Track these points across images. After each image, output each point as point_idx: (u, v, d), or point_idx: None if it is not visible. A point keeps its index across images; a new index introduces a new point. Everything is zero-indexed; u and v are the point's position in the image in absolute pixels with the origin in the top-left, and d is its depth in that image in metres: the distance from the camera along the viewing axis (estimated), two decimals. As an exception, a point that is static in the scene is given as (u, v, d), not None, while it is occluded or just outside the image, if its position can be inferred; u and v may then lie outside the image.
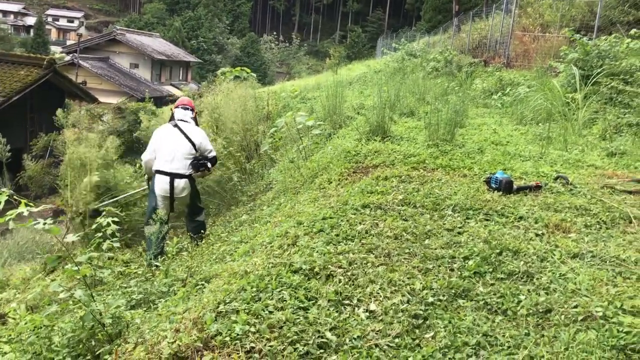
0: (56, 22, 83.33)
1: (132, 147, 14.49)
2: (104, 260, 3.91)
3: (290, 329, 2.50)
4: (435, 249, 3.35)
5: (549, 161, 5.60)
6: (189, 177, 6.25)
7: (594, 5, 13.48)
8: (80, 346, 3.10)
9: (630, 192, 4.42)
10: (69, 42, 62.19)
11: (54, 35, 77.11)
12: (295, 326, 2.53)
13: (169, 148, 6.25)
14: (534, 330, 2.54)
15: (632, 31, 10.16)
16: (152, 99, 15.92)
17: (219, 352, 2.40)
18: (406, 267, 3.12)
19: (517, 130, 7.62)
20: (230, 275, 3.19)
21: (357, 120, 8.00)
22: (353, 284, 2.94)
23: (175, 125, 6.40)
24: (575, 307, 2.67)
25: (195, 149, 6.32)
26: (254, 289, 2.84)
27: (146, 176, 6.77)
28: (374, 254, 3.29)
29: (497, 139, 6.70)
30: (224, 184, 7.99)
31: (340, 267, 3.10)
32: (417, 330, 2.57)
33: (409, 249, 3.34)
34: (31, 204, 3.17)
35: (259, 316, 2.60)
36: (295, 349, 2.39)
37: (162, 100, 29.59)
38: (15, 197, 3.21)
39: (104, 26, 77.96)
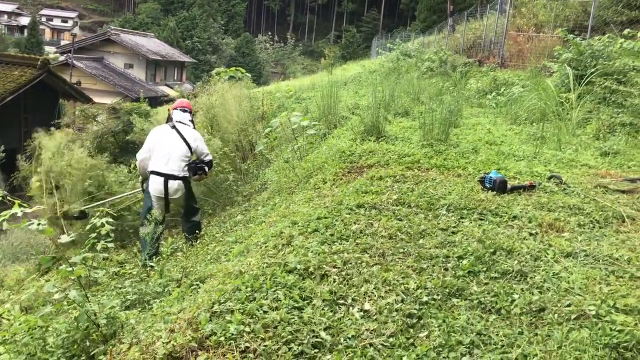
0: (50, 22, 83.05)
1: (127, 147, 14.44)
2: (98, 260, 3.90)
3: (285, 328, 2.51)
4: (430, 248, 3.37)
5: (542, 161, 5.62)
6: (183, 178, 6.24)
7: (587, 6, 13.53)
8: (75, 347, 3.10)
9: (623, 192, 4.45)
10: (63, 42, 62.06)
11: (48, 35, 76.88)
12: (289, 326, 2.53)
13: (164, 149, 6.24)
14: (528, 329, 2.56)
15: (626, 31, 10.21)
16: (146, 99, 15.87)
17: (214, 352, 2.40)
18: (400, 266, 3.13)
19: (511, 130, 7.64)
20: (225, 275, 3.19)
21: (351, 120, 8.01)
22: (347, 284, 2.95)
23: (173, 127, 6.40)
24: (569, 305, 2.68)
25: (191, 152, 6.32)
26: (249, 289, 2.84)
27: (141, 177, 6.74)
28: (368, 253, 3.30)
29: (491, 139, 6.71)
30: (219, 184, 7.98)
31: (334, 266, 3.11)
32: (411, 330, 2.58)
33: (404, 249, 3.35)
34: (25, 204, 3.17)
35: (254, 316, 2.60)
36: (289, 349, 2.40)
37: (156, 101, 29.53)
38: (9, 197, 3.20)
39: (98, 26, 77.74)
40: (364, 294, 2.85)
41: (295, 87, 17.32)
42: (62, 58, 34.34)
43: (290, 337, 2.46)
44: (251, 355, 2.37)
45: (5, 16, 79.92)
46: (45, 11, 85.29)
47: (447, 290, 2.88)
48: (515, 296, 2.80)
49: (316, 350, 2.42)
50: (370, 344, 2.46)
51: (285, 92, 13.90)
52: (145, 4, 78.64)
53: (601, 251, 3.28)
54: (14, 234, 9.75)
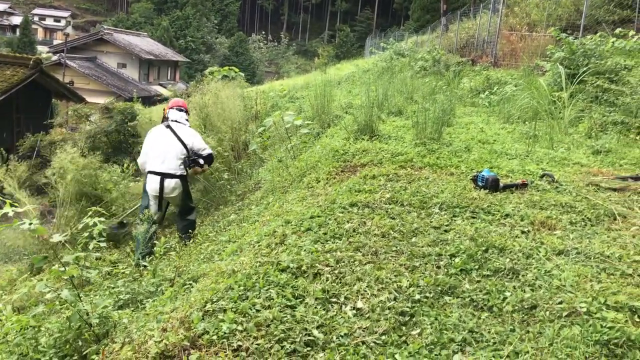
0: (43, 22, 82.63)
1: (120, 147, 14.40)
2: (91, 260, 3.89)
3: (278, 327, 2.51)
4: (422, 246, 3.38)
5: (535, 159, 5.64)
6: (180, 177, 6.27)
7: (580, 5, 13.59)
8: (67, 346, 3.09)
9: (614, 190, 4.47)
10: (55, 42, 61.71)
11: (40, 34, 76.51)
12: (282, 324, 2.54)
13: (160, 149, 6.31)
14: (519, 326, 2.57)
15: (617, 30, 10.27)
16: (140, 99, 15.83)
17: (206, 351, 2.40)
18: (393, 264, 3.14)
19: (504, 128, 7.66)
20: (218, 274, 3.20)
21: (345, 120, 8.02)
22: (340, 282, 2.95)
23: (168, 126, 6.45)
24: (560, 303, 2.70)
25: (187, 150, 6.34)
26: (242, 288, 2.84)
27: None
28: (361, 252, 3.30)
29: (484, 138, 6.73)
30: (213, 184, 7.97)
31: (327, 265, 3.11)
32: (403, 327, 2.59)
33: (396, 247, 3.36)
34: (16, 204, 3.16)
35: (246, 315, 2.60)
36: (282, 347, 2.40)
37: (150, 100, 29.46)
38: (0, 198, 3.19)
39: (91, 26, 77.43)
40: (357, 292, 2.85)
41: (288, 86, 17.32)
42: (54, 58, 34.17)
43: (282, 335, 2.47)
44: (243, 353, 2.38)
45: (-3, 15, 79.52)
46: (37, 10, 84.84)
47: (440, 288, 2.89)
48: (507, 294, 2.82)
49: (309, 349, 2.42)
50: (363, 342, 2.47)
51: (278, 91, 13.89)
52: (138, 4, 78.37)
53: (592, 249, 3.30)
54: (5, 234, 9.70)
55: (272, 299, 2.74)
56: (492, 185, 4.36)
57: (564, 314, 2.61)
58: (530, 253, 3.26)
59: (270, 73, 68.49)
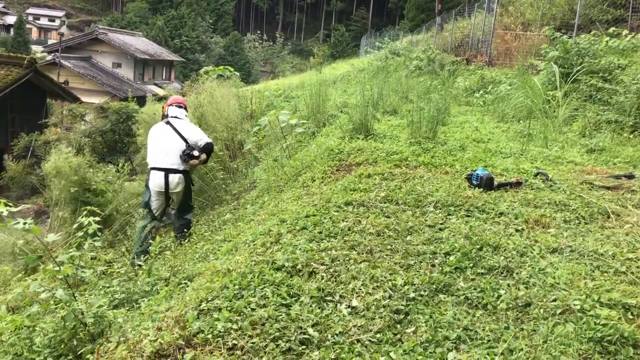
0: (37, 21, 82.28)
1: (115, 146, 14.39)
2: (86, 260, 3.89)
3: (273, 325, 2.52)
4: (417, 245, 3.38)
5: (529, 158, 5.66)
6: (183, 172, 6.34)
7: (574, 4, 13.63)
8: (62, 346, 3.08)
9: (608, 188, 4.49)
10: (50, 42, 61.44)
11: (35, 34, 76.19)
12: (277, 323, 2.54)
13: (162, 145, 6.39)
14: (514, 324, 2.58)
15: (611, 29, 10.32)
16: (135, 99, 15.81)
17: (201, 350, 2.41)
18: (388, 263, 3.15)
19: (499, 127, 7.69)
20: (213, 273, 3.19)
21: (340, 119, 8.02)
22: (335, 281, 2.96)
23: (168, 123, 6.53)
24: (554, 300, 2.71)
25: (188, 145, 6.41)
26: (237, 287, 2.85)
27: None
28: (356, 250, 3.31)
29: (478, 137, 6.75)
30: (208, 183, 7.97)
31: (322, 264, 3.12)
32: (398, 325, 2.59)
33: (391, 246, 3.37)
34: (10, 203, 3.15)
35: (242, 313, 2.60)
36: (277, 346, 2.41)
37: (145, 100, 29.35)
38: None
39: (86, 25, 77.20)
40: (352, 291, 2.86)
41: (284, 85, 17.31)
42: (49, 57, 34.04)
43: (277, 334, 2.47)
44: (238, 352, 2.38)
45: (-9, 15, 79.14)
46: (32, 10, 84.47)
47: (434, 286, 2.90)
48: (502, 292, 2.83)
49: (304, 347, 2.43)
50: (358, 340, 2.48)
51: (274, 91, 13.91)
52: (133, 3, 78.14)
53: (586, 247, 3.31)
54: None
55: (267, 297, 2.74)
56: (487, 184, 4.37)
57: (558, 311, 2.62)
58: (524, 251, 3.27)
59: (265, 72, 68.45)
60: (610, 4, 13.03)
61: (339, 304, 2.75)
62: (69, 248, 3.83)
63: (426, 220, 3.76)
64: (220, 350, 2.38)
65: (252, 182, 7.85)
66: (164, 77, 45.34)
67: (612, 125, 7.00)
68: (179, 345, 2.44)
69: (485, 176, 4.40)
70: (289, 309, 2.66)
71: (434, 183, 4.55)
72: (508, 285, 2.90)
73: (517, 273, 3.02)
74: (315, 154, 6.18)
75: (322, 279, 2.96)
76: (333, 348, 2.42)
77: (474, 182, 4.45)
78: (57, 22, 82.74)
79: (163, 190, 6.31)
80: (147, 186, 6.46)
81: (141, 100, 16.71)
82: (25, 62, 17.88)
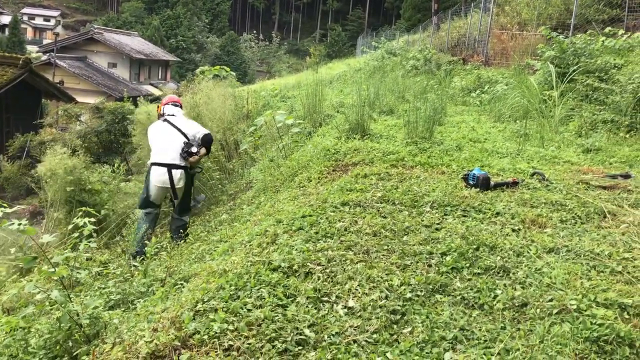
0: (32, 21, 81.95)
1: (111, 147, 14.35)
2: (81, 261, 3.87)
3: (269, 326, 2.51)
4: (414, 245, 3.38)
5: (525, 158, 5.66)
6: (184, 168, 6.37)
7: (570, 4, 13.66)
8: (58, 347, 3.07)
9: (604, 188, 4.50)
10: (45, 42, 61.22)
11: (30, 34, 75.87)
12: (273, 323, 2.53)
13: (162, 142, 6.45)
14: (510, 324, 2.58)
15: (607, 29, 10.34)
16: (130, 99, 15.77)
17: (197, 351, 2.40)
18: (384, 263, 3.14)
19: (495, 127, 7.69)
20: (209, 274, 3.19)
21: (336, 119, 8.02)
22: (332, 281, 2.95)
23: (165, 120, 6.61)
24: (551, 300, 2.71)
25: (188, 139, 6.46)
26: (233, 288, 2.84)
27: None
28: (352, 251, 3.30)
29: (475, 136, 6.75)
30: (205, 183, 7.95)
31: (319, 264, 3.11)
32: (395, 326, 2.59)
33: (388, 246, 3.37)
34: (5, 204, 3.13)
35: (238, 314, 2.60)
36: (273, 346, 2.40)
37: (141, 100, 29.27)
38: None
39: (82, 25, 76.90)
40: (348, 291, 2.85)
41: (280, 85, 17.28)
42: (44, 57, 33.94)
43: (274, 334, 2.46)
44: (235, 353, 2.37)
45: (-14, 15, 78.83)
46: (27, 10, 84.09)
47: (431, 287, 2.90)
48: (498, 292, 2.82)
49: (300, 348, 2.42)
50: (354, 341, 2.47)
51: (270, 90, 13.86)
52: (128, 3, 77.97)
53: (583, 246, 3.31)
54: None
55: (264, 298, 2.73)
56: (483, 184, 4.37)
57: (554, 311, 2.62)
58: (520, 251, 3.27)
59: (261, 72, 68.36)
60: (606, 4, 13.07)
61: (335, 305, 2.75)
62: (64, 249, 3.81)
63: (423, 221, 3.76)
64: (216, 351, 2.37)
65: (248, 182, 7.84)
66: (159, 77, 45.25)
67: (608, 125, 7.02)
68: (175, 347, 2.43)
69: (482, 176, 4.40)
70: (285, 310, 2.65)
71: (430, 183, 4.54)
72: (504, 285, 2.90)
73: (513, 273, 3.02)
74: (311, 154, 6.17)
75: (318, 279, 2.96)
76: (329, 349, 2.41)
77: (471, 182, 4.45)
78: (52, 22, 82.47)
79: (167, 186, 6.34)
80: (147, 183, 6.46)
81: (137, 101, 16.66)
82: (20, 62, 17.82)
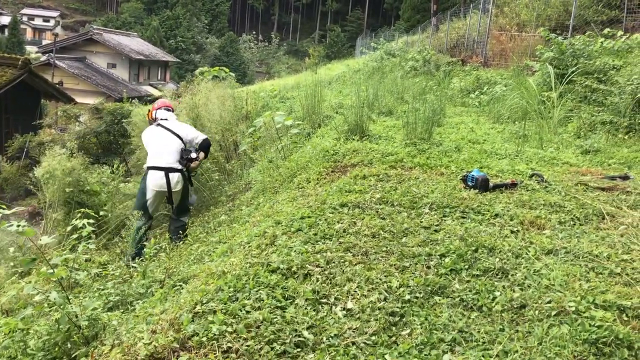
0: (31, 22, 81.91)
1: (110, 147, 14.34)
2: (80, 262, 3.87)
3: (268, 328, 2.51)
4: (412, 246, 3.38)
5: (524, 159, 5.67)
6: (181, 171, 6.38)
7: (569, 5, 13.68)
8: (56, 349, 3.06)
9: (603, 189, 4.50)
10: (44, 42, 61.23)
11: (29, 34, 75.84)
12: (272, 325, 2.53)
13: (158, 146, 6.44)
14: (509, 326, 2.58)
15: (606, 30, 10.35)
16: (130, 99, 15.77)
17: (196, 353, 2.39)
18: (383, 265, 3.14)
19: (494, 128, 7.70)
20: (208, 275, 3.18)
21: (335, 120, 8.02)
22: (330, 283, 2.95)
23: (159, 124, 6.58)
24: (549, 302, 2.71)
25: (184, 142, 6.46)
26: (231, 289, 2.84)
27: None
28: (351, 252, 3.30)
29: (474, 138, 6.76)
30: (204, 184, 7.95)
31: (317, 266, 3.11)
32: (393, 328, 2.59)
33: (386, 247, 3.37)
34: (4, 205, 3.13)
35: (236, 316, 2.59)
36: (272, 348, 2.40)
37: (140, 101, 29.26)
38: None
39: (81, 26, 76.86)
40: (347, 293, 2.85)
41: (279, 86, 17.29)
42: (44, 58, 33.91)
43: (272, 336, 2.46)
44: (233, 355, 2.37)
45: (-15, 15, 78.74)
46: (26, 10, 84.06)
47: (430, 288, 2.90)
48: (497, 293, 2.82)
49: (299, 350, 2.42)
50: (353, 343, 2.47)
51: (269, 91, 13.88)
52: (128, 3, 77.98)
53: (581, 248, 3.31)
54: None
55: (262, 300, 2.73)
56: (482, 185, 4.37)
57: (553, 313, 2.62)
58: (519, 253, 3.27)
59: (261, 73, 68.39)
60: (605, 5, 13.08)
61: (334, 306, 2.74)
62: (63, 250, 3.81)
63: (421, 222, 3.76)
64: (215, 353, 2.37)
65: (247, 183, 7.84)
66: (159, 77, 45.24)
67: (606, 126, 7.02)
68: (174, 348, 2.43)
69: (481, 177, 4.40)
70: (284, 312, 2.65)
71: (429, 184, 4.55)
72: (503, 287, 2.90)
73: (512, 275, 3.02)
74: (310, 155, 6.18)
75: (317, 281, 2.95)
76: (328, 350, 2.41)
77: (470, 184, 4.46)
78: (52, 23, 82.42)
79: (165, 189, 6.32)
80: (143, 187, 6.44)
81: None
82: (20, 62, 17.81)
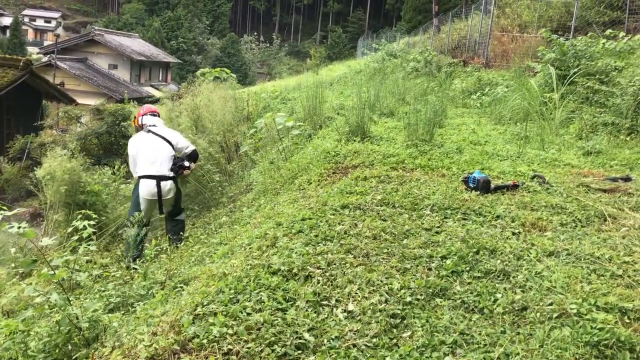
0: (33, 23, 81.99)
1: (111, 148, 14.34)
2: (81, 263, 3.87)
3: (268, 330, 2.50)
4: (414, 248, 3.37)
5: (526, 160, 5.66)
6: (173, 178, 6.30)
7: (570, 6, 13.67)
8: (57, 351, 3.06)
9: (605, 191, 4.49)
10: (46, 43, 61.35)
11: (30, 35, 75.89)
12: (273, 327, 2.52)
13: (149, 153, 6.31)
14: (510, 328, 2.57)
15: (607, 31, 10.34)
16: (131, 100, 15.77)
17: (196, 355, 2.39)
18: (384, 267, 3.14)
19: (496, 129, 7.69)
20: (209, 277, 3.18)
21: (337, 121, 8.02)
22: (331, 285, 2.94)
23: (149, 131, 6.47)
24: (551, 304, 2.70)
25: (174, 149, 6.37)
26: (232, 291, 2.83)
27: None
28: (352, 254, 3.30)
29: (475, 139, 6.75)
30: (205, 185, 7.95)
31: (318, 267, 3.11)
32: (394, 330, 2.58)
33: (388, 249, 3.36)
34: (4, 207, 3.13)
35: (237, 318, 2.59)
36: (273, 351, 2.39)
37: (141, 102, 29.28)
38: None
39: (82, 27, 76.92)
40: (348, 295, 2.85)
41: (280, 87, 17.30)
42: (45, 59, 33.96)
43: (273, 338, 2.45)
44: (234, 357, 2.36)
45: (-13, 16, 78.82)
46: (27, 11, 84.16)
47: (431, 290, 2.89)
48: (498, 295, 2.82)
49: (300, 352, 2.41)
50: (354, 345, 2.46)
51: (270, 92, 13.89)
52: (129, 4, 78.08)
53: (583, 250, 3.31)
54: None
55: (263, 302, 2.73)
56: (483, 187, 4.37)
57: (555, 315, 2.62)
58: (521, 254, 3.27)
59: (262, 74, 68.44)
60: (607, 6, 13.08)
61: (335, 308, 2.74)
62: (64, 251, 3.81)
63: (423, 224, 3.75)
64: (215, 356, 2.37)
65: (248, 184, 7.84)
66: (160, 78, 45.27)
67: (608, 128, 7.02)
68: (174, 350, 2.43)
69: (482, 179, 4.39)
70: (285, 314, 2.65)
71: (430, 186, 4.54)
72: (504, 289, 2.89)
73: (513, 277, 3.01)
74: (311, 156, 6.17)
75: (318, 283, 2.95)
76: (329, 353, 2.41)
77: (471, 185, 4.45)
78: (53, 24, 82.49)
79: (156, 198, 6.24)
80: (135, 196, 6.35)
81: (137, 102, 16.63)
82: (21, 63, 17.83)
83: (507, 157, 5.77)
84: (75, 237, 3.80)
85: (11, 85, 17.13)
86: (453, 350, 2.43)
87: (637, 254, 3.24)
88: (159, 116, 6.86)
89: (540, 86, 8.90)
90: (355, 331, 2.56)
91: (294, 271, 3.04)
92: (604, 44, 9.69)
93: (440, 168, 5.12)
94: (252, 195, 6.79)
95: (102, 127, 13.86)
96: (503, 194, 4.37)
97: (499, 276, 3.03)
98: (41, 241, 3.53)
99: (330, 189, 4.60)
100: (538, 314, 2.64)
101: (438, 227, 3.71)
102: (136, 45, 43.28)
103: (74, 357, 2.98)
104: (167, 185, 6.25)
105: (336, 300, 2.80)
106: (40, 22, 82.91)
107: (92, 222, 3.74)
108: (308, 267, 3.09)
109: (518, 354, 2.37)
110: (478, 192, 4.35)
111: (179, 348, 2.44)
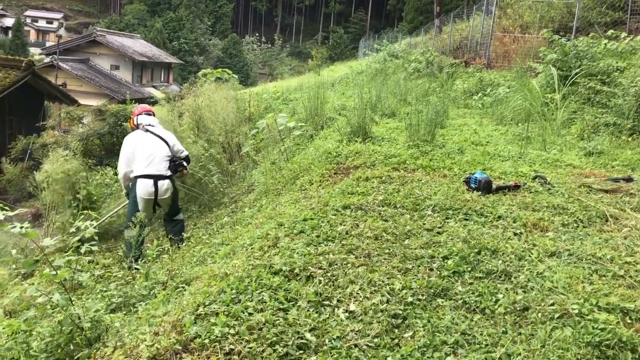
0: (35, 24, 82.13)
1: (113, 149, 14.34)
2: (82, 263, 3.88)
3: (270, 330, 2.50)
4: (415, 249, 3.37)
5: (527, 161, 5.66)
6: (169, 177, 6.28)
7: (572, 7, 13.66)
8: (59, 351, 3.07)
9: (606, 191, 4.49)
10: (48, 44, 61.46)
11: (32, 36, 76.07)
12: (274, 327, 2.53)
13: (147, 152, 6.28)
14: (512, 328, 2.57)
15: (609, 32, 10.33)
16: (133, 101, 15.78)
17: (198, 355, 2.39)
18: (386, 267, 3.14)
19: (497, 130, 7.69)
20: (210, 277, 3.18)
21: (338, 122, 8.02)
22: (333, 285, 2.95)
23: (147, 131, 6.46)
24: (552, 304, 2.70)
25: (171, 150, 6.40)
26: (234, 291, 2.84)
27: (124, 190, 6.73)
28: (354, 254, 3.30)
29: (477, 139, 6.75)
30: (206, 186, 7.96)
31: (320, 268, 3.11)
32: (396, 330, 2.58)
33: (389, 249, 3.36)
34: (7, 207, 3.14)
35: (239, 318, 2.59)
36: (274, 350, 2.40)
37: (143, 102, 29.29)
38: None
39: (84, 27, 76.98)
40: (350, 295, 2.85)
41: (282, 88, 17.32)
42: (47, 59, 33.98)
43: (275, 338, 2.46)
44: (236, 357, 2.37)
45: (-11, 17, 78.95)
46: (30, 12, 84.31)
47: (432, 291, 2.89)
48: (500, 296, 2.82)
49: (301, 352, 2.42)
50: (355, 345, 2.47)
51: (272, 93, 13.91)
52: (131, 5, 78.17)
53: (584, 250, 3.31)
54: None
55: (265, 302, 2.73)
56: (485, 187, 4.37)
57: (556, 315, 2.62)
58: (522, 255, 3.27)
59: (263, 75, 68.41)
60: (608, 7, 13.06)
61: (336, 309, 2.74)
62: (66, 252, 3.81)
63: (424, 224, 3.76)
64: (217, 355, 2.37)
65: (250, 185, 7.84)
66: (162, 79, 45.31)
67: (610, 128, 7.01)
68: (176, 350, 2.43)
69: (484, 179, 4.39)
70: (287, 314, 2.65)
71: (432, 186, 4.54)
72: (506, 289, 2.89)
73: (515, 277, 3.01)
74: (313, 157, 6.17)
75: (319, 283, 2.95)
76: (330, 353, 2.41)
77: (473, 186, 4.45)
78: (55, 24, 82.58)
79: (152, 197, 6.21)
80: (133, 196, 6.28)
81: (139, 103, 16.62)
82: (23, 64, 17.84)
83: (508, 158, 5.77)
84: (77, 238, 3.80)
85: (13, 86, 17.13)
86: (455, 351, 2.43)
87: (639, 255, 3.24)
88: (154, 116, 6.86)
89: (542, 87, 8.90)
90: (357, 331, 2.56)
91: (295, 271, 3.05)
92: (605, 44, 9.69)
93: (442, 168, 5.12)
94: (253, 195, 6.80)
95: (104, 127, 13.86)
96: (505, 195, 4.37)
97: (500, 276, 3.03)
98: (43, 241, 3.54)
99: (332, 189, 4.60)
100: (540, 314, 2.64)
101: (439, 227, 3.71)
102: (138, 46, 43.32)
103: (76, 357, 2.99)
104: (164, 184, 6.23)
105: (338, 301, 2.80)
106: (42, 23, 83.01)
107: (94, 223, 3.74)
108: (310, 267, 3.10)
109: (519, 354, 2.37)
110: (480, 193, 4.35)
111: (180, 348, 2.44)
